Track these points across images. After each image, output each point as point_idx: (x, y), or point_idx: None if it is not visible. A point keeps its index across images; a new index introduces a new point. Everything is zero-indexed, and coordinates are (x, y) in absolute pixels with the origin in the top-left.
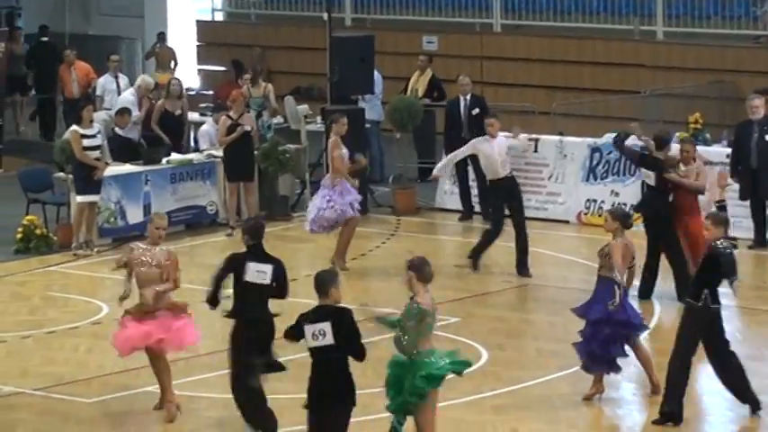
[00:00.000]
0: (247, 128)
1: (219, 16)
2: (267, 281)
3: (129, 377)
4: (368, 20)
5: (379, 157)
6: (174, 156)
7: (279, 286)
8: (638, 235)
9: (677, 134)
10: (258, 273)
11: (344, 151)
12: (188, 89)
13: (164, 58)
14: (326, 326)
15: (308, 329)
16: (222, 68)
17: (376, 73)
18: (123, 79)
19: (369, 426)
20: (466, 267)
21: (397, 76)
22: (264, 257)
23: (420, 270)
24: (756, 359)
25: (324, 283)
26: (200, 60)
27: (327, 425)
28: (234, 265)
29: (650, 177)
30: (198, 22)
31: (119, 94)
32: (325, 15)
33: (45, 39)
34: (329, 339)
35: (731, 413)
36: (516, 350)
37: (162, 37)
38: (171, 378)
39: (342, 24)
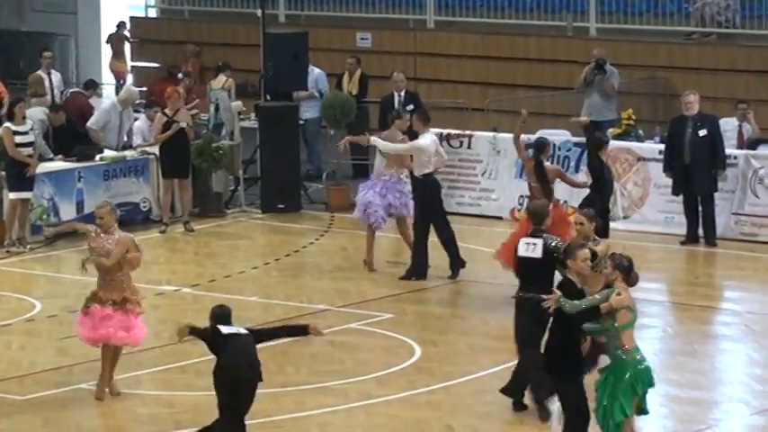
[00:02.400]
0: (183, 124)
1: (153, 13)
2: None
3: (62, 374)
4: (301, 16)
5: (318, 155)
6: (108, 152)
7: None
8: None
9: (610, 130)
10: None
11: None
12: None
13: (119, 45)
14: None
15: None
16: (156, 65)
17: (319, 71)
18: (56, 75)
19: (300, 422)
20: (399, 263)
21: (331, 72)
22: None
23: (627, 274)
24: (687, 354)
25: None
26: (134, 57)
27: None
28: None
29: None
30: (131, 18)
31: (51, 90)
32: (259, 12)
33: None
34: None
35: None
36: (449, 346)
37: (122, 25)
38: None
39: (275, 21)
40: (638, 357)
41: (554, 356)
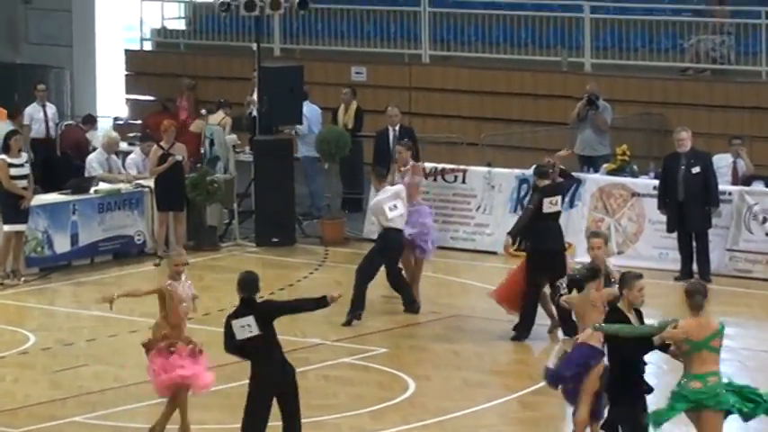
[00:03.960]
0: (178, 157)
1: (148, 46)
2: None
3: (56, 407)
4: (297, 50)
5: (318, 193)
6: (102, 185)
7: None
8: None
9: (605, 166)
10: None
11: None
12: (116, 118)
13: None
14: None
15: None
16: (151, 98)
17: (315, 107)
18: (51, 108)
19: None
20: (393, 298)
21: (326, 106)
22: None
23: (690, 297)
24: None
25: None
26: (129, 90)
27: None
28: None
29: None
30: (126, 51)
31: (46, 123)
32: (254, 45)
33: None
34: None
35: None
36: (443, 381)
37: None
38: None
39: (271, 54)
40: (682, 382)
41: (614, 388)
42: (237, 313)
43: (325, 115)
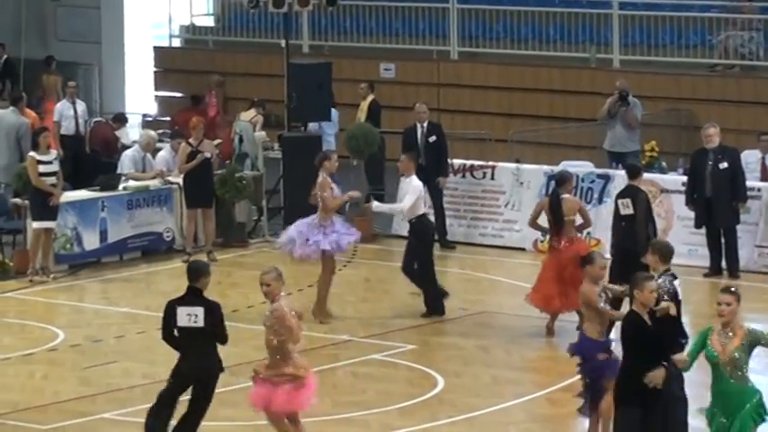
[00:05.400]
0: (207, 155)
1: (177, 43)
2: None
3: (86, 404)
4: (325, 47)
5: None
6: (131, 182)
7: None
8: None
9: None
10: (188, 316)
11: (335, 191)
12: (145, 115)
13: (50, 84)
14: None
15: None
16: (179, 95)
17: (333, 110)
18: (81, 105)
19: None
20: (420, 295)
21: (354, 103)
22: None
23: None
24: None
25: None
26: (158, 87)
27: None
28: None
29: None
30: (155, 48)
31: (75, 120)
32: (283, 42)
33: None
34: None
35: None
36: (472, 378)
37: (49, 61)
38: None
39: (299, 51)
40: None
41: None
42: (185, 300)
43: (354, 112)
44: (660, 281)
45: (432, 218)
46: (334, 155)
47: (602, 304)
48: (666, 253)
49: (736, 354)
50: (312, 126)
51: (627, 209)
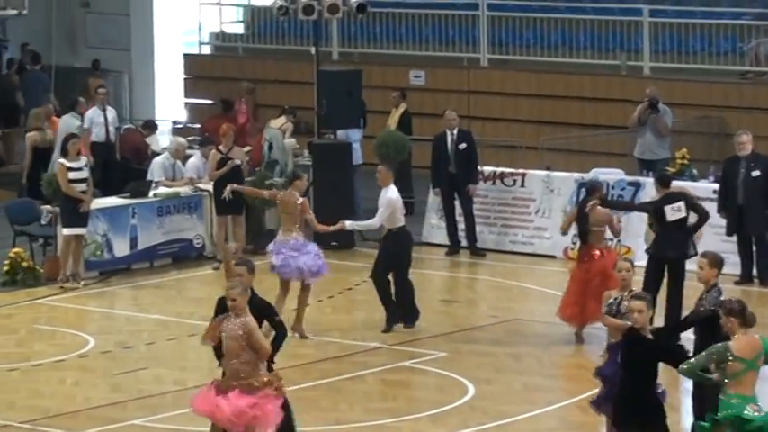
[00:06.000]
0: (237, 162)
1: (207, 50)
2: None
3: (116, 410)
4: (355, 54)
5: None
6: (161, 189)
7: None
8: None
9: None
10: None
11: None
12: (175, 122)
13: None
14: None
15: None
16: (209, 102)
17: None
18: (111, 112)
19: None
20: (453, 302)
21: (384, 110)
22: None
23: (742, 316)
24: None
25: None
26: (188, 94)
27: None
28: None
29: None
30: (185, 55)
31: (106, 126)
32: (313, 49)
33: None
34: None
35: None
36: (503, 385)
37: (96, 65)
38: None
39: (329, 58)
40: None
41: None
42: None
43: (384, 120)
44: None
45: (461, 225)
46: (305, 175)
47: (604, 311)
48: (720, 262)
49: None
50: (339, 133)
51: (678, 212)
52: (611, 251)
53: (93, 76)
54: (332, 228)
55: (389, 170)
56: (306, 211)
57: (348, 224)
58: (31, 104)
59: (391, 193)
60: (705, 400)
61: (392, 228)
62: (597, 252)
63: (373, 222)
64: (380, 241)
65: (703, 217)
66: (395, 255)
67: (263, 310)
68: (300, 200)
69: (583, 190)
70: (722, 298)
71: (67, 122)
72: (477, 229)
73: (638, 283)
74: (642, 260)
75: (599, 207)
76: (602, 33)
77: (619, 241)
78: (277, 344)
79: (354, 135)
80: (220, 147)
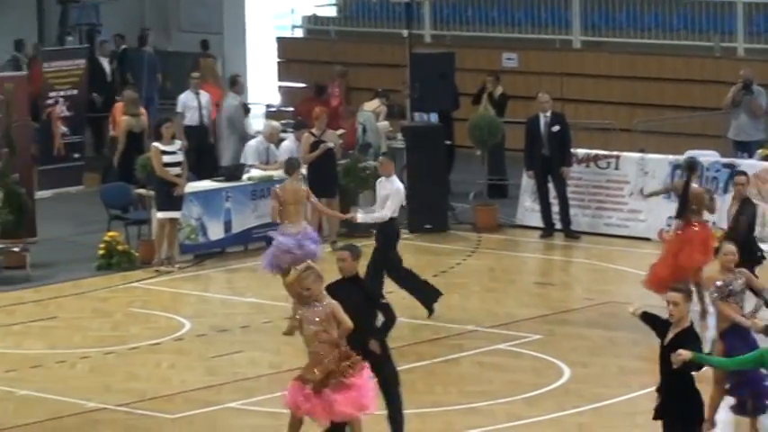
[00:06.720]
0: (330, 145)
1: (299, 33)
2: None
3: (212, 393)
4: (447, 36)
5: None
6: (255, 172)
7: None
8: None
9: (759, 151)
10: None
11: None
12: (269, 105)
13: (207, 67)
14: None
15: None
16: (302, 85)
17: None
18: (204, 96)
19: None
20: (547, 285)
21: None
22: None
23: None
24: None
25: None
26: (281, 77)
27: None
28: None
29: None
30: (278, 39)
31: (199, 110)
32: (405, 32)
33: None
34: None
35: None
36: (599, 367)
37: (205, 45)
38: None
39: (421, 41)
40: None
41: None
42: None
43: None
44: None
45: (555, 207)
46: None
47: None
48: None
49: None
50: (417, 116)
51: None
52: (707, 226)
53: (203, 56)
54: (345, 215)
55: (391, 161)
56: (310, 195)
57: (360, 217)
58: (139, 86)
59: (398, 183)
60: None
61: (391, 215)
62: (695, 227)
63: (384, 214)
64: (376, 235)
65: None
66: (387, 244)
67: (371, 294)
68: (304, 186)
69: (677, 171)
70: None
71: (229, 102)
72: (572, 211)
73: None
74: None
75: (699, 188)
76: (695, 15)
77: (714, 223)
78: (385, 328)
79: (432, 118)
80: (313, 130)
